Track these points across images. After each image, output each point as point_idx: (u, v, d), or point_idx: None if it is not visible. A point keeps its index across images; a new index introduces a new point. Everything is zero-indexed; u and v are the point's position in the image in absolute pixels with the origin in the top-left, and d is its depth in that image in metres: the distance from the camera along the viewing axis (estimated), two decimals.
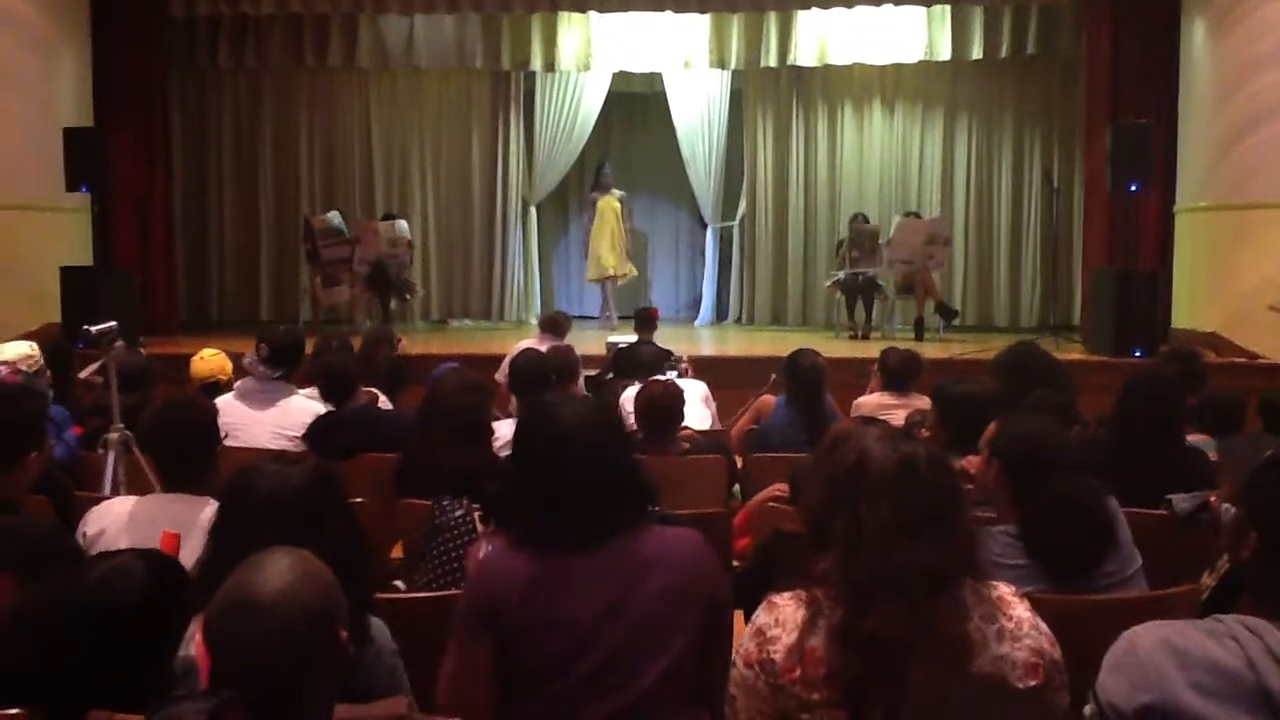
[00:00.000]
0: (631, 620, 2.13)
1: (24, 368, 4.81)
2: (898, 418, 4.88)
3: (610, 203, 11.46)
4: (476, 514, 3.09)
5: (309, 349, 5.30)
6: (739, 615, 2.82)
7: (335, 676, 1.79)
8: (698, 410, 5.47)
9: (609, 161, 11.91)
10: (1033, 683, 1.82)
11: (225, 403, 4.58)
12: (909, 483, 1.87)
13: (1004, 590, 1.92)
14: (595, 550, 2.17)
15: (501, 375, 6.99)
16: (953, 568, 1.84)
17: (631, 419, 4.58)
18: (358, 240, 10.47)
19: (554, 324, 7.49)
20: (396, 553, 3.75)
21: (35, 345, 5.09)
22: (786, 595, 1.92)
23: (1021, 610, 1.90)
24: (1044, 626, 1.90)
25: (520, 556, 2.20)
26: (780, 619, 1.89)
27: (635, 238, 12.37)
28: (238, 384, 4.87)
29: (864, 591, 1.81)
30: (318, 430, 4.52)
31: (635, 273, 11.87)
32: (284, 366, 4.85)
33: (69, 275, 8.74)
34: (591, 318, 11.73)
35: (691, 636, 2.18)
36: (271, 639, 1.66)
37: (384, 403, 5.19)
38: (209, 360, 5.33)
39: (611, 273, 11.44)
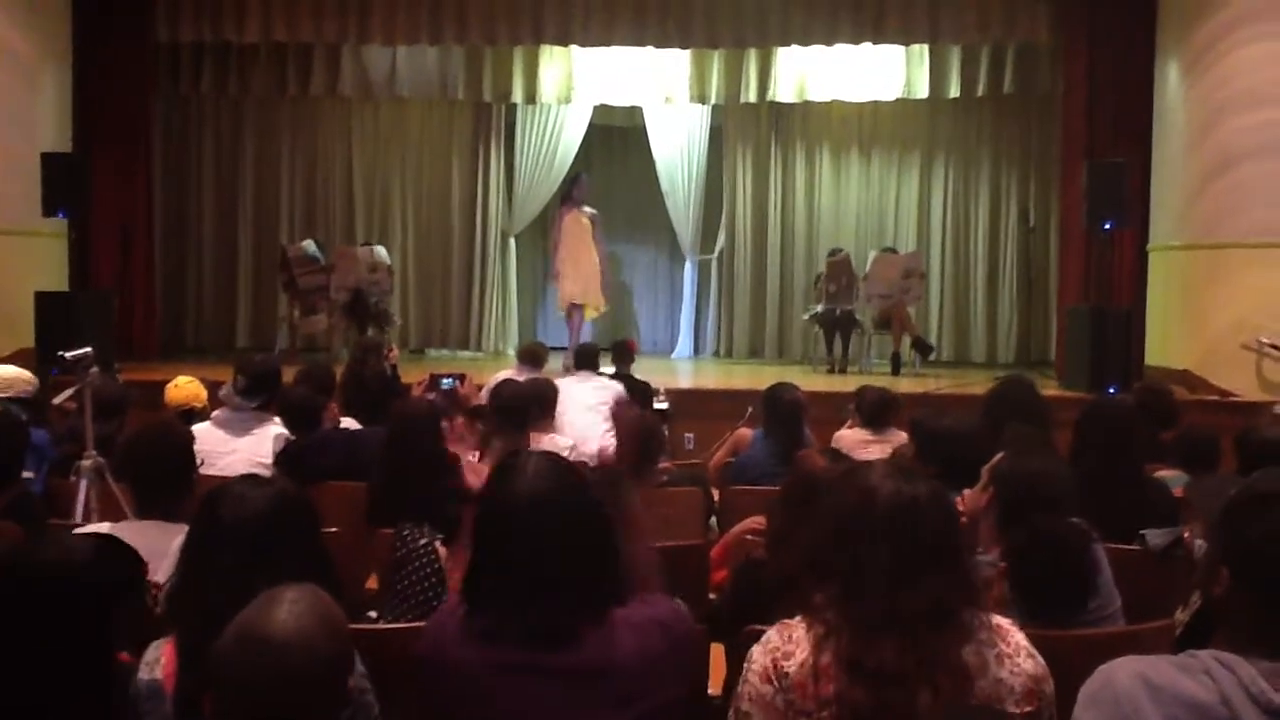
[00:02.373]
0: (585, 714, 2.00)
1: (13, 394, 4.82)
2: (876, 453, 4.90)
3: (579, 220, 10.55)
4: (438, 541, 3.08)
5: (288, 378, 5.28)
6: (717, 649, 2.82)
7: (337, 717, 1.77)
8: (584, 416, 5.41)
9: (586, 175, 11.08)
10: (1028, 709, 1.85)
11: (202, 431, 4.57)
12: (911, 525, 1.89)
13: (1001, 620, 1.96)
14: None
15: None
16: (954, 605, 1.87)
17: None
18: (333, 268, 10.44)
19: (532, 355, 7.48)
20: (372, 584, 3.72)
21: (32, 376, 5.09)
22: (796, 620, 1.94)
23: (1018, 638, 1.94)
24: (1039, 657, 1.93)
25: (472, 629, 2.04)
26: (794, 636, 1.91)
27: (612, 264, 12.25)
28: (215, 413, 4.86)
29: (865, 630, 1.82)
30: (289, 456, 4.50)
31: (604, 309, 10.85)
32: (261, 396, 4.84)
33: (43, 300, 8.68)
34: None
35: None
36: (284, 679, 1.63)
37: (348, 424, 5.18)
38: (183, 388, 5.31)
39: (579, 302, 10.45)
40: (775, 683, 1.88)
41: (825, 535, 1.97)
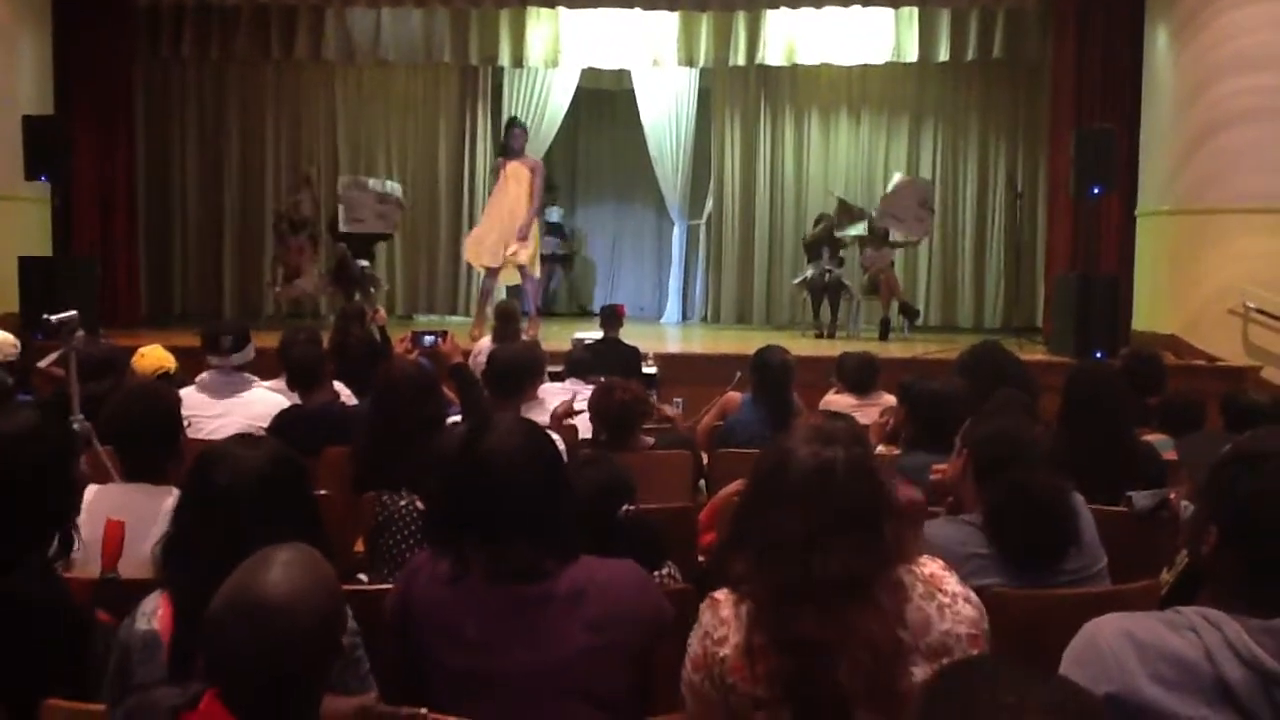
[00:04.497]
0: (555, 652, 2.07)
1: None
2: (865, 416, 4.92)
3: (519, 171, 9.42)
4: (418, 502, 3.09)
5: (264, 342, 5.28)
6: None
7: (330, 673, 1.77)
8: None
9: (521, 120, 10.43)
10: (974, 652, 1.84)
11: (188, 395, 4.55)
12: (822, 490, 1.84)
13: (933, 565, 1.93)
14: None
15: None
16: (868, 574, 1.82)
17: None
18: (338, 199, 10.23)
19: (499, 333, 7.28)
20: (359, 547, 3.72)
21: (15, 339, 5.07)
22: (727, 591, 1.90)
23: (954, 584, 1.91)
24: (974, 597, 1.92)
25: (448, 568, 2.15)
26: (724, 617, 1.87)
27: (576, 236, 12.11)
28: (200, 377, 4.83)
29: (778, 597, 1.81)
30: (281, 425, 4.48)
31: (514, 277, 9.76)
32: (244, 350, 4.83)
33: (26, 265, 8.62)
34: (555, 314, 11.68)
35: (625, 674, 2.11)
36: (278, 640, 1.63)
37: (348, 398, 5.16)
38: (149, 356, 5.26)
39: (487, 262, 9.47)
40: (705, 669, 1.85)
41: (743, 501, 1.94)
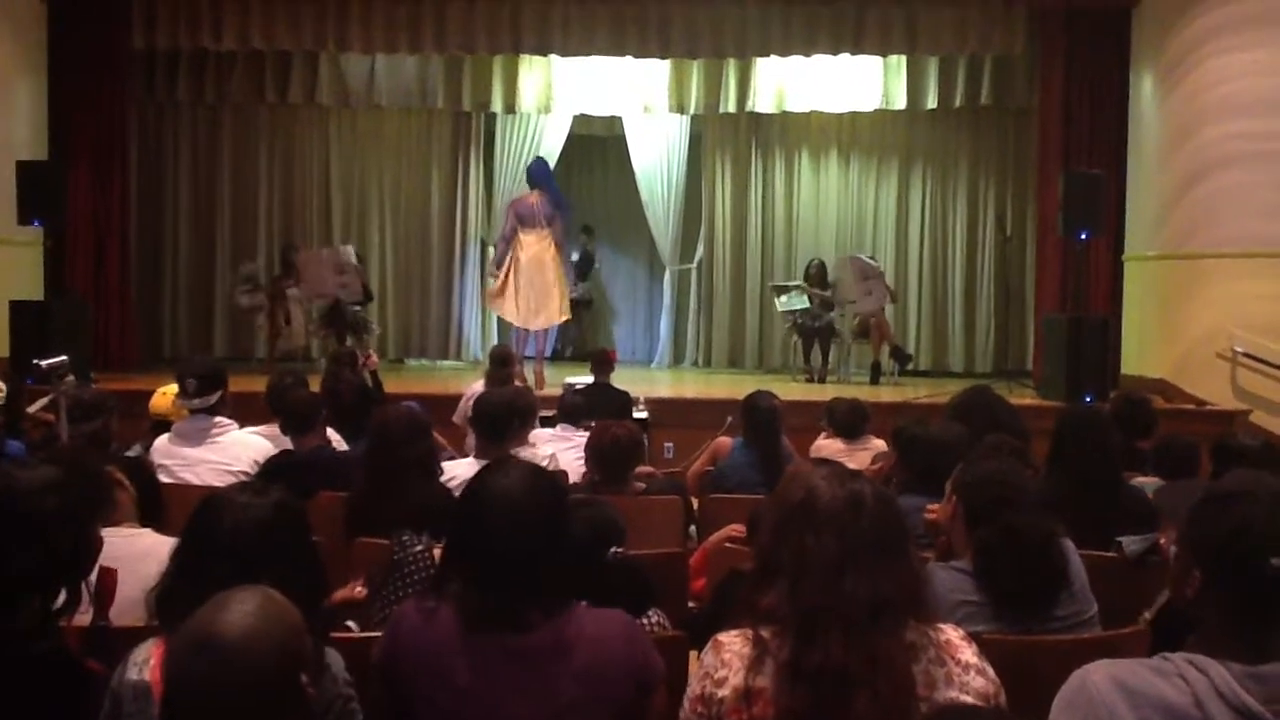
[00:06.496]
0: (542, 704, 2.07)
1: None
2: (854, 461, 4.93)
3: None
4: (436, 550, 3.08)
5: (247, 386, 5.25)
6: (695, 656, 2.82)
7: (293, 717, 1.75)
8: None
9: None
10: None
11: (160, 443, 4.55)
12: (855, 517, 1.90)
13: (951, 634, 1.95)
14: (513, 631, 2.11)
15: (459, 417, 6.94)
16: (895, 601, 1.87)
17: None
18: (299, 277, 10.17)
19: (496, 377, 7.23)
20: (351, 592, 3.70)
21: (1, 384, 5.04)
22: (733, 634, 1.92)
23: (969, 655, 1.92)
24: (990, 671, 1.92)
25: (438, 616, 2.14)
26: (726, 659, 1.89)
27: (594, 273, 12.25)
28: (175, 425, 4.81)
29: (809, 622, 1.82)
30: (272, 470, 4.47)
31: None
32: (214, 392, 4.79)
33: (18, 309, 8.62)
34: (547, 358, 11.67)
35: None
36: (236, 680, 1.62)
37: (338, 443, 5.15)
38: (171, 397, 5.25)
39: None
40: (703, 710, 1.87)
41: (774, 533, 1.97)
